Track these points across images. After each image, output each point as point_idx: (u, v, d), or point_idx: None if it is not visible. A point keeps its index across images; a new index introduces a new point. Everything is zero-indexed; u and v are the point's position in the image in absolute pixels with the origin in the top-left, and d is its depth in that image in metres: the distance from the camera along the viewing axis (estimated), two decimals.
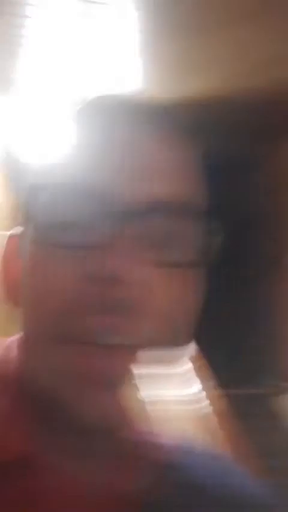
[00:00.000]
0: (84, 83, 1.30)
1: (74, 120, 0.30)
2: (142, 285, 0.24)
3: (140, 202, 0.25)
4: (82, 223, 0.25)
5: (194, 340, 0.31)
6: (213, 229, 0.27)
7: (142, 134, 0.27)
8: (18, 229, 0.33)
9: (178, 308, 0.26)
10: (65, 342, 0.25)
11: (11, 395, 0.29)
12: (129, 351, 0.25)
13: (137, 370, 0.25)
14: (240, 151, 1.46)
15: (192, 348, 0.32)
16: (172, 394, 0.32)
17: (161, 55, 1.25)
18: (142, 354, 0.25)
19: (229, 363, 1.33)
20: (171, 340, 0.26)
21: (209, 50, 1.19)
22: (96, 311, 0.24)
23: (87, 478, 0.26)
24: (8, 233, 0.34)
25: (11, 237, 0.33)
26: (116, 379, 0.25)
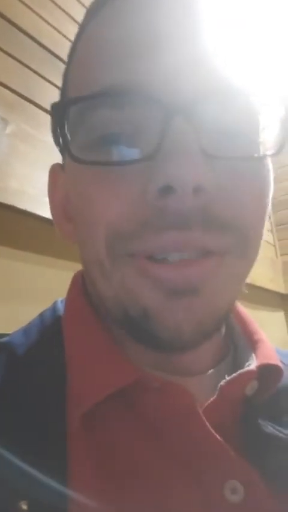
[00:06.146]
0: None
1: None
2: (216, 188, 0.21)
3: (188, 90, 0.21)
4: (126, 132, 0.22)
5: None
6: (279, 116, 0.23)
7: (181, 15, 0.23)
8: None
9: (251, 209, 0.23)
10: (135, 258, 0.23)
11: (96, 329, 0.28)
12: (210, 259, 0.23)
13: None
14: None
15: None
16: None
17: None
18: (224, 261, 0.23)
19: None
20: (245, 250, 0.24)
21: None
22: (170, 226, 0.21)
23: (199, 391, 0.26)
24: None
25: (51, 170, 0.31)
26: (202, 285, 0.22)
